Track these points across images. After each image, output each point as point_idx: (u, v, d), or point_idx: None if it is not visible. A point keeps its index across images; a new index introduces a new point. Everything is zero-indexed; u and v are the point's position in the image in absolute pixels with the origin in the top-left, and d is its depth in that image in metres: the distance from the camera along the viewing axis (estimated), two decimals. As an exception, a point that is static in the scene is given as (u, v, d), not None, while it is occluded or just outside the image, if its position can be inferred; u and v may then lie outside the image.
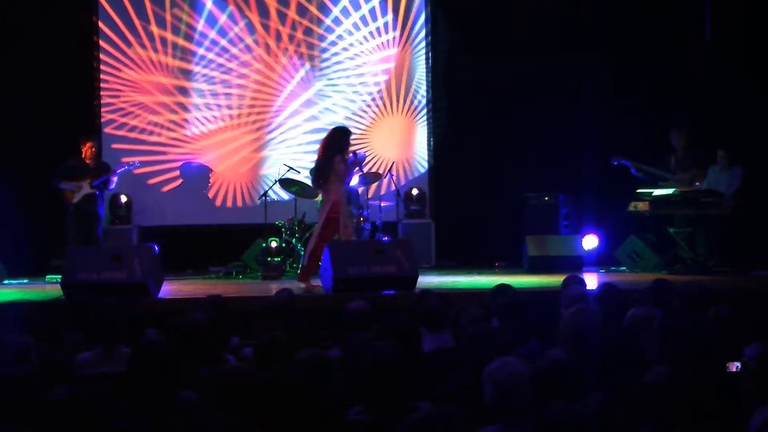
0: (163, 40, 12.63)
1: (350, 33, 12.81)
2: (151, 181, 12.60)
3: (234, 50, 12.68)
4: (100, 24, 12.57)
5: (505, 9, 12.56)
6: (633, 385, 3.79)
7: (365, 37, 12.84)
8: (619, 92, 12.15)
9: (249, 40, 12.69)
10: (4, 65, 12.10)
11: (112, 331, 5.29)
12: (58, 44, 12.27)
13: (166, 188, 12.65)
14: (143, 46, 12.61)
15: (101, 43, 12.57)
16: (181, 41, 12.64)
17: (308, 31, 12.75)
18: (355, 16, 12.81)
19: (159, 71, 12.63)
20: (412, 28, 12.90)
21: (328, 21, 12.77)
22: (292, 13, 12.72)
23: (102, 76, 12.59)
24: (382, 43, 12.86)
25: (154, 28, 12.60)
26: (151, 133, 12.65)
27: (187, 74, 12.66)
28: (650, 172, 11.03)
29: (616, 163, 11.12)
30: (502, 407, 3.66)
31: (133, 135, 12.62)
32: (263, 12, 12.69)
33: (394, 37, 12.86)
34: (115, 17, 12.58)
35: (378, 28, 12.86)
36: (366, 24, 12.84)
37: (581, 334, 4.61)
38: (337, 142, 9.59)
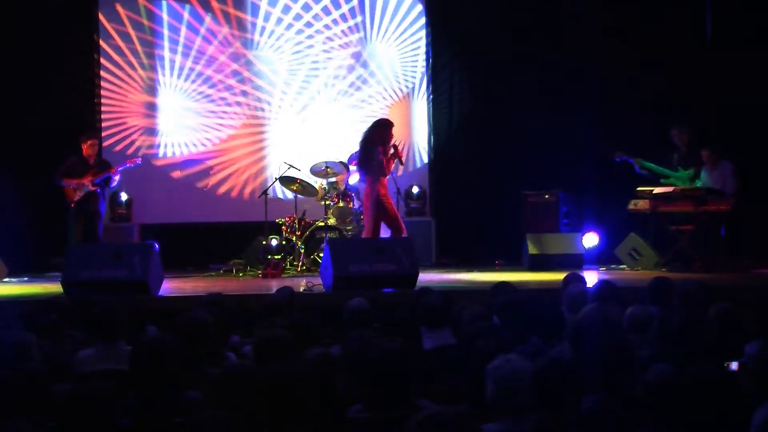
0: (160, 53, 12.65)
1: (328, 27, 12.84)
2: (152, 178, 12.60)
3: (228, 50, 12.71)
4: (100, 23, 12.56)
5: (506, 6, 12.57)
6: (629, 384, 3.80)
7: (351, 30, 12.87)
8: (619, 91, 12.14)
9: (238, 43, 12.72)
10: (5, 65, 12.10)
11: (113, 328, 5.29)
12: (59, 43, 12.28)
13: (166, 186, 12.65)
14: (139, 60, 12.63)
15: (101, 41, 12.59)
16: (185, 41, 12.66)
17: (300, 30, 12.79)
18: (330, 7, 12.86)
19: (160, 71, 12.64)
20: (400, 24, 12.91)
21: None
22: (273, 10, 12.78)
23: (102, 73, 12.60)
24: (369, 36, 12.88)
25: (150, 36, 12.63)
26: (151, 131, 12.67)
27: (187, 72, 12.67)
28: (653, 169, 11.03)
29: (619, 159, 11.10)
30: (504, 404, 3.66)
31: (132, 134, 12.63)
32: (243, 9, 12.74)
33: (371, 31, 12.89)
34: (115, 16, 12.59)
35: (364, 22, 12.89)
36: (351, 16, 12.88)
37: (597, 333, 4.60)
38: (377, 134, 9.70)
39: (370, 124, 10.15)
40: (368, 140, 9.82)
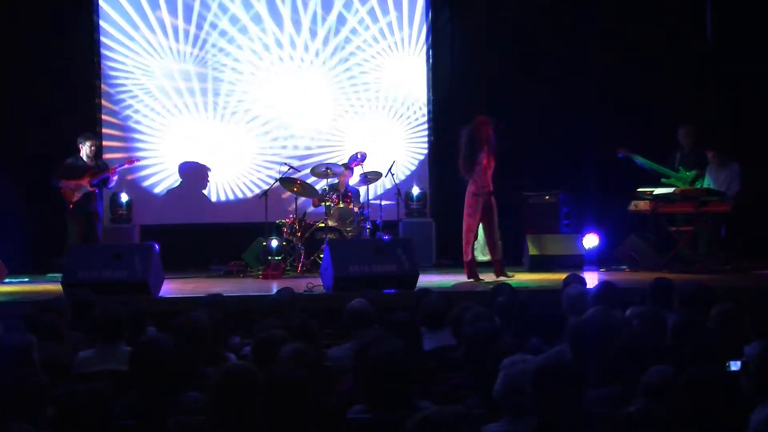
0: (162, 43, 12.65)
1: (343, 25, 12.85)
2: (152, 179, 12.60)
3: (231, 48, 12.70)
4: (101, 25, 12.55)
5: (506, 6, 12.57)
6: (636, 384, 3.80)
7: (363, 35, 12.86)
8: (619, 91, 12.15)
9: (243, 40, 12.72)
10: (5, 66, 12.10)
11: (113, 329, 5.29)
12: (59, 44, 12.30)
13: (166, 187, 12.65)
14: (143, 46, 12.62)
15: (102, 39, 12.56)
16: (181, 45, 12.67)
17: (304, 29, 12.78)
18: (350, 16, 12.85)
19: (159, 71, 12.63)
20: (402, 28, 12.91)
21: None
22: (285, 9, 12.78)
23: (102, 73, 12.60)
24: (376, 38, 12.87)
25: (149, 36, 12.61)
26: (151, 132, 12.66)
27: (187, 74, 12.67)
28: (654, 168, 11.02)
29: (621, 155, 11.07)
30: (510, 400, 3.66)
31: (132, 134, 12.63)
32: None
33: (383, 32, 12.88)
34: (115, 17, 12.59)
35: (375, 26, 12.88)
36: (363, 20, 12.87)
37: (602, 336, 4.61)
38: (484, 132, 9.71)
39: (471, 123, 9.97)
40: (473, 139, 9.74)
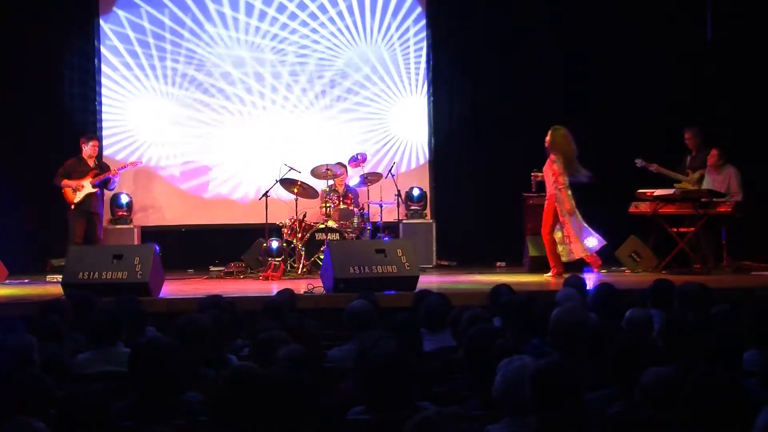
0: (164, 40, 12.65)
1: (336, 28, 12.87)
2: (153, 180, 12.60)
3: (231, 46, 12.71)
4: (101, 26, 12.56)
5: (507, 5, 12.58)
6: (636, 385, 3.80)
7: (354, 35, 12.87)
8: (619, 91, 12.15)
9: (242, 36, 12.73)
10: (4, 67, 12.10)
11: (112, 330, 5.29)
12: (59, 45, 12.32)
13: (167, 188, 12.66)
14: (144, 46, 12.63)
15: (103, 39, 12.57)
16: (184, 43, 12.67)
17: (301, 27, 12.80)
18: (343, 9, 12.86)
19: (159, 72, 12.64)
20: (401, 25, 12.92)
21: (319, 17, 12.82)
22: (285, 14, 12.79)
23: (103, 71, 12.59)
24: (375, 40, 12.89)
25: (150, 38, 12.62)
26: (151, 133, 12.66)
27: (186, 74, 12.67)
28: (668, 176, 11.05)
29: (640, 165, 11.09)
30: (509, 397, 3.66)
31: (132, 135, 12.63)
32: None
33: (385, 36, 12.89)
34: (118, 17, 12.60)
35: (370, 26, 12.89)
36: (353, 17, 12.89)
37: (570, 333, 4.66)
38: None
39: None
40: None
